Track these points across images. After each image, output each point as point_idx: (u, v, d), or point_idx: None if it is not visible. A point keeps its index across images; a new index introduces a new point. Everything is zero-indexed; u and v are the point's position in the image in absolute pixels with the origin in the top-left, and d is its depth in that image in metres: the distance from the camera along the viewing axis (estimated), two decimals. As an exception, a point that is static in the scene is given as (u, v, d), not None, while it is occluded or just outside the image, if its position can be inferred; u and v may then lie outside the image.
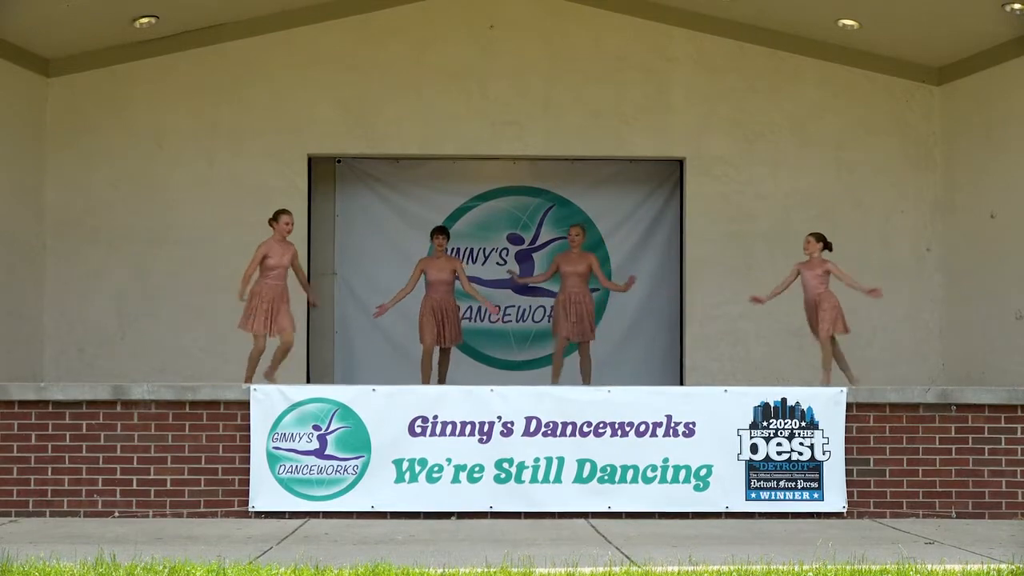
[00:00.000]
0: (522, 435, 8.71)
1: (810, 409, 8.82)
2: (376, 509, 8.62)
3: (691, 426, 8.76)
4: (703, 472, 8.74)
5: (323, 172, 12.53)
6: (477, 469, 8.68)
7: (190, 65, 11.95)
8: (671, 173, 12.60)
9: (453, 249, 12.39)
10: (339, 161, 12.61)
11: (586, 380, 10.81)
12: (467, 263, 12.50)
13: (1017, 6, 10.42)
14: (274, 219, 9.91)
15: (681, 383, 12.03)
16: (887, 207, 12.23)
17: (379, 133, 12.08)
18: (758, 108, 12.17)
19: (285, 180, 11.93)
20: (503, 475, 8.69)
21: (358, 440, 8.65)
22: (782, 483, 8.77)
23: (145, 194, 11.94)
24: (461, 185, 12.67)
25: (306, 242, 11.87)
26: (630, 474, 8.71)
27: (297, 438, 8.64)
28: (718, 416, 8.77)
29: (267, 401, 8.62)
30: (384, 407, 8.68)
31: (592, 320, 11.12)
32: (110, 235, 11.92)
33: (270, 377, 9.71)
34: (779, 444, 8.79)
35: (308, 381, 11.88)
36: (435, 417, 8.69)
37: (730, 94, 12.16)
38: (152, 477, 8.62)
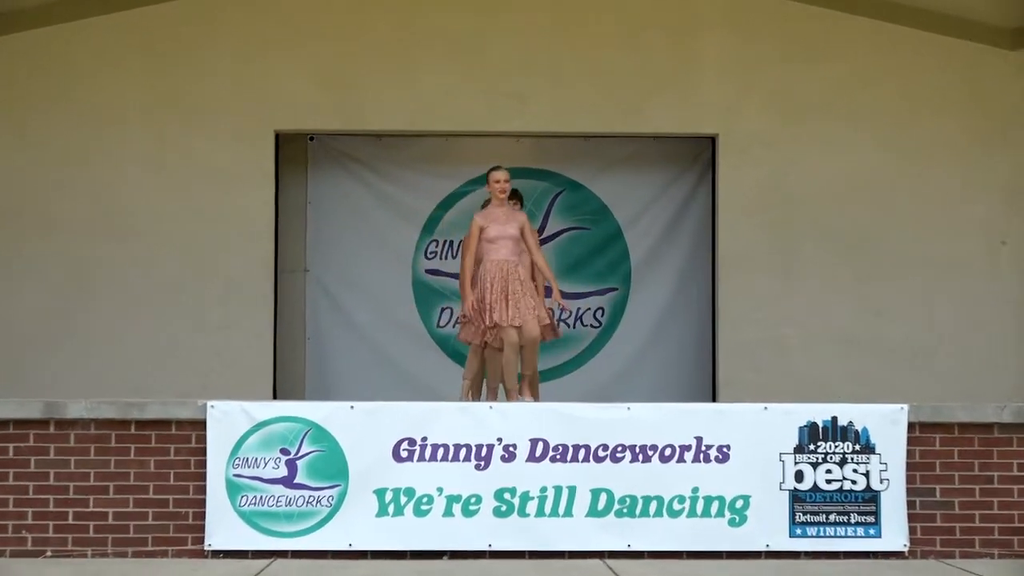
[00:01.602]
0: (526, 460, 8.67)
1: (865, 430, 8.77)
2: (355, 548, 8.57)
3: (725, 450, 8.73)
4: (739, 504, 8.70)
5: (293, 152, 12.55)
6: (473, 500, 8.64)
7: (139, 26, 11.96)
8: (700, 153, 12.63)
9: (443, 243, 12.48)
10: (312, 139, 12.65)
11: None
12: (459, 258, 12.29)
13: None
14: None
15: (713, 399, 12.07)
16: (954, 193, 12.24)
17: (359, 106, 12.09)
18: (802, 77, 12.19)
19: (248, 161, 11.95)
20: (504, 507, 8.66)
21: (333, 466, 8.61)
22: (832, 517, 8.72)
23: (85, 177, 11.96)
24: (455, 167, 12.70)
25: (272, 234, 11.93)
26: (653, 506, 8.67)
27: (262, 464, 8.60)
28: (757, 438, 8.74)
29: (226, 420, 8.60)
30: (364, 427, 8.65)
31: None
32: (43, 224, 11.92)
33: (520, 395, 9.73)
34: (829, 471, 8.75)
35: (275, 396, 11.90)
36: (424, 439, 8.66)
37: (769, 61, 12.18)
38: (91, 510, 8.56)
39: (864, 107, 12.20)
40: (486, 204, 10.04)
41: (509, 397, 9.84)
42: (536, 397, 9.87)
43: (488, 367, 10.20)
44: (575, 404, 9.00)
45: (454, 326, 12.08)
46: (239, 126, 11.96)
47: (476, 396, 10.30)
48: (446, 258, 12.70)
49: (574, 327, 12.70)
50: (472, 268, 9.86)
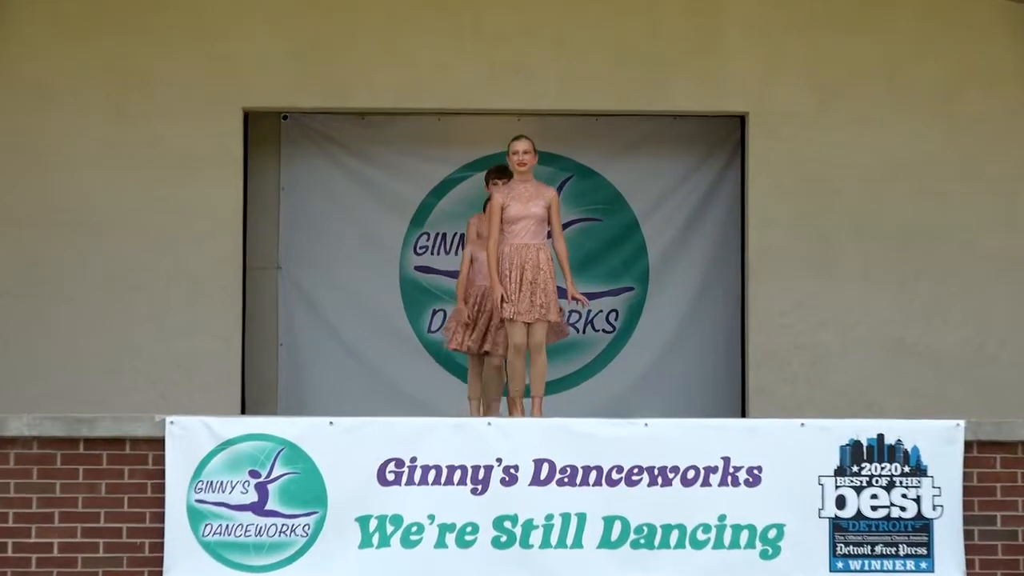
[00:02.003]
0: (530, 484, 8.67)
1: (916, 449, 8.76)
2: (334, 583, 8.60)
3: (756, 472, 8.74)
4: (772, 534, 8.70)
5: (264, 132, 12.56)
6: (470, 530, 8.64)
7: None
8: (728, 135, 12.64)
9: (435, 236, 12.51)
10: (286, 117, 12.64)
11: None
12: (453, 253, 12.55)
13: None
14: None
15: (743, 414, 12.07)
16: (1013, 177, 12.24)
17: (339, 80, 12.10)
18: (841, 47, 12.19)
19: (212, 143, 11.94)
20: (504, 537, 8.65)
21: (310, 490, 8.61)
22: (879, 548, 8.72)
23: (29, 162, 11.97)
24: (449, 150, 12.71)
25: (240, 226, 11.94)
26: (674, 536, 8.67)
27: (228, 488, 8.60)
28: (792, 458, 8.74)
29: (188, 438, 8.59)
30: (345, 446, 8.65)
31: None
32: (-19, 216, 11.99)
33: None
34: (874, 496, 8.74)
35: (243, 411, 11.91)
36: (413, 460, 8.66)
37: (805, 29, 12.19)
38: (34, 540, 8.55)
39: (912, 81, 12.21)
40: (488, 201, 10.11)
41: (512, 411, 9.87)
42: (539, 412, 9.86)
43: (486, 377, 10.26)
44: (585, 420, 8.99)
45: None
46: (202, 103, 11.93)
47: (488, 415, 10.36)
48: (438, 253, 12.68)
49: (584, 332, 12.66)
50: (497, 251, 9.71)
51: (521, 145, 9.80)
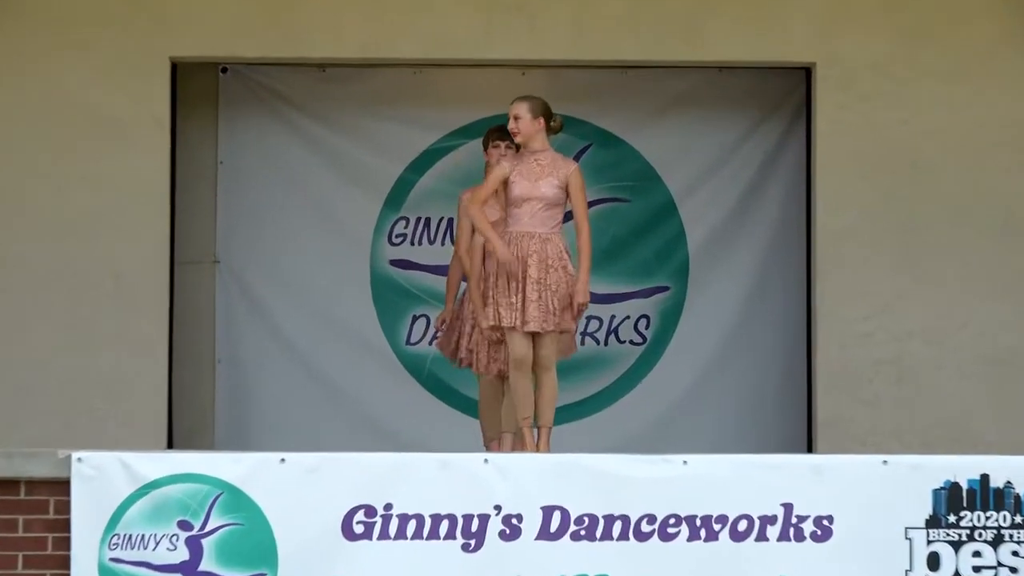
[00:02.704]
0: (536, 538, 8.65)
1: (1030, 493, 8.86)
2: (286, 667, 8.63)
3: (826, 523, 8.73)
4: None
5: (197, 89, 12.62)
6: None
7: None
8: (789, 93, 12.72)
9: (416, 222, 12.58)
10: (225, 70, 12.68)
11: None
12: (439, 243, 12.60)
13: None
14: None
15: (809, 448, 12.13)
16: None
17: (294, 23, 12.15)
18: (933, -18, 12.28)
19: (131, 103, 11.97)
20: None
21: (256, 546, 8.61)
22: None
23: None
24: (433, 112, 12.73)
25: (167, 209, 11.99)
26: None
27: (152, 543, 8.59)
28: (872, 506, 8.73)
29: (100, 480, 8.59)
30: (301, 490, 8.65)
31: None
32: None
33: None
34: (977, 553, 8.73)
35: (170, 445, 11.94)
36: (388, 507, 8.66)
37: (884, -40, 12.28)
38: (-98, 611, 8.60)
39: (1019, 24, 12.26)
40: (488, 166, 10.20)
41: (515, 444, 9.92)
42: (546, 446, 9.91)
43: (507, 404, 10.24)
44: (607, 456, 8.99)
45: (431, 342, 12.06)
46: (117, 51, 11.96)
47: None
48: (420, 243, 12.71)
49: (606, 343, 12.71)
50: (483, 212, 9.77)
51: (513, 109, 9.78)
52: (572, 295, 9.71)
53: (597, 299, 11.65)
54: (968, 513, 8.70)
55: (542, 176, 9.73)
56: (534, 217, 9.71)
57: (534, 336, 9.60)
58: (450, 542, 8.63)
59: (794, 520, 8.69)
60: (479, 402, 10.49)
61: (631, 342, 12.76)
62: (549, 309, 9.62)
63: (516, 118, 9.75)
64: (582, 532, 8.65)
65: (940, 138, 12.20)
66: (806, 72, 12.37)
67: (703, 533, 8.66)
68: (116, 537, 8.54)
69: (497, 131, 10.32)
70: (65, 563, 8.50)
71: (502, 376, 10.17)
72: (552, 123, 9.86)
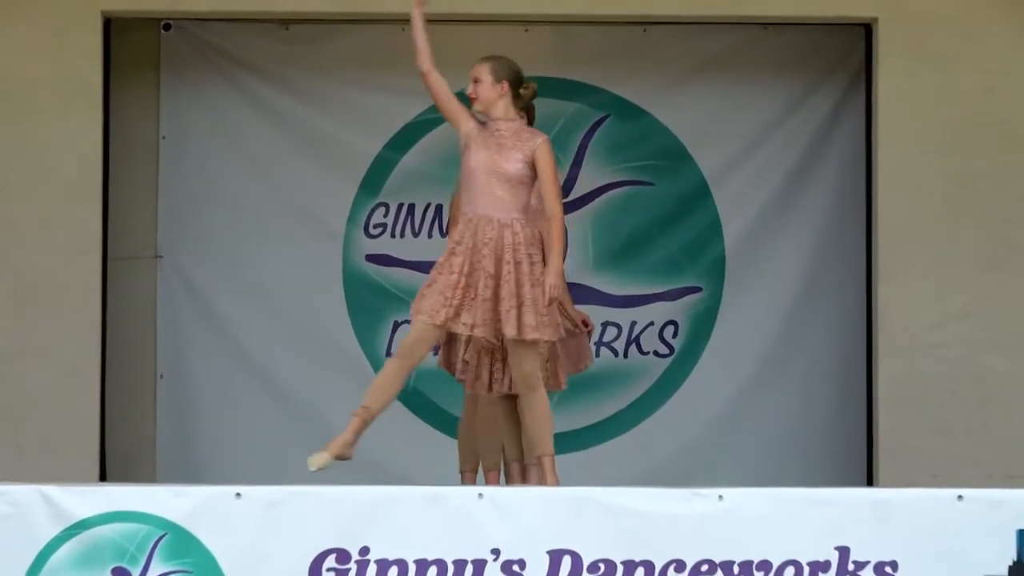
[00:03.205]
0: None
1: None
2: None
3: (889, 570, 8.73)
4: None
5: (135, 50, 12.69)
6: None
7: None
8: (845, 54, 12.80)
9: (398, 209, 12.71)
10: (168, 27, 12.72)
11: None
12: (424, 235, 12.72)
13: None
14: None
15: (869, 482, 12.20)
16: None
17: None
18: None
19: (55, 66, 12.05)
20: None
21: None
22: None
23: None
24: (418, 78, 12.49)
25: (99, 195, 12.07)
26: None
27: None
28: (945, 549, 8.74)
29: (20, 518, 8.58)
30: (261, 530, 8.65)
31: None
32: None
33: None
34: None
35: (103, 476, 12.00)
36: (365, 551, 8.66)
37: None
38: None
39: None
40: None
41: (512, 476, 10.05)
42: (553, 477, 9.89)
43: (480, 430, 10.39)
44: (627, 490, 8.99)
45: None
46: (39, 5, 12.01)
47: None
48: (402, 235, 12.79)
49: (626, 355, 12.73)
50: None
51: (473, 70, 9.77)
52: (542, 295, 9.64)
53: (615, 302, 11.82)
54: (1063, 559, 8.87)
55: (504, 149, 9.63)
56: (492, 198, 9.61)
57: (509, 349, 9.56)
58: (439, 593, 8.76)
59: (851, 567, 8.71)
60: (462, 424, 10.48)
61: (656, 353, 12.81)
62: (506, 311, 9.54)
63: (476, 81, 9.73)
64: (598, 581, 8.77)
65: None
66: (866, 29, 12.43)
67: (742, 583, 8.83)
68: (37, 588, 8.68)
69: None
70: (-23, 619, 8.63)
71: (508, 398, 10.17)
72: (522, 90, 9.78)
